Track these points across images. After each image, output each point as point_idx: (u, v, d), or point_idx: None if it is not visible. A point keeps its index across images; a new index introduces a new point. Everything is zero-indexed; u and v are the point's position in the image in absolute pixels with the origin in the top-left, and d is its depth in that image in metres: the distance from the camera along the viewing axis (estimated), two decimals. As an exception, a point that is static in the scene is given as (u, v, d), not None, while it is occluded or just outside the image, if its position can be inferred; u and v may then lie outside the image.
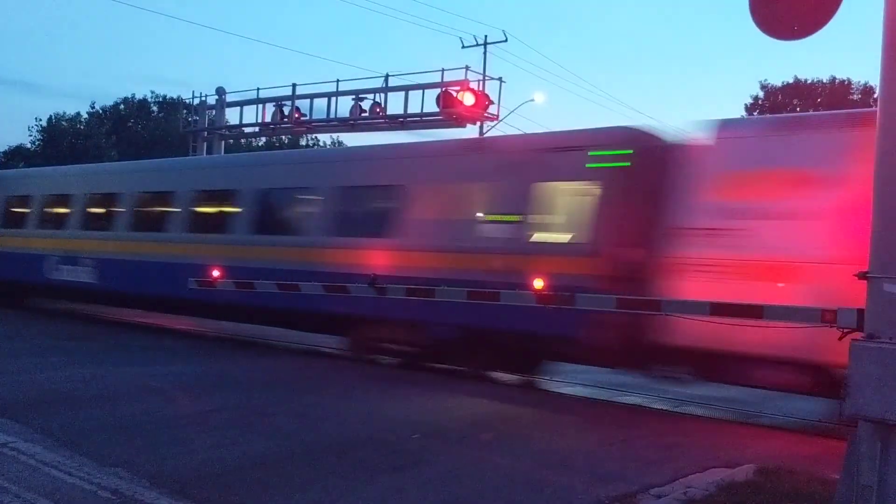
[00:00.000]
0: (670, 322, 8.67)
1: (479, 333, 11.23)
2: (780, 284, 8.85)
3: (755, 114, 44.41)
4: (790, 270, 8.80)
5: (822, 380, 8.53)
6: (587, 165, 10.69)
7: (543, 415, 9.45)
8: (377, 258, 11.98)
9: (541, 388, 12.19)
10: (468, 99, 18.77)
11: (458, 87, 18.91)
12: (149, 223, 16.66)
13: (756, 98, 46.48)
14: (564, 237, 10.91)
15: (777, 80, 46.74)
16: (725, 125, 10.33)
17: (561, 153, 11.09)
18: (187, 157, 23.11)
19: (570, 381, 12.50)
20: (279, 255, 13.63)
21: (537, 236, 11.04)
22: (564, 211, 11.12)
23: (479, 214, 11.91)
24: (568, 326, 9.66)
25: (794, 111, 42.00)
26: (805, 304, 7.07)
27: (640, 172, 10.34)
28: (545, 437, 8.07)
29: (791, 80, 45.81)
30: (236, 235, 14.71)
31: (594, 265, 10.00)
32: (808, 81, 45.33)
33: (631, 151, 10.51)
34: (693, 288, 9.12)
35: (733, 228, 9.22)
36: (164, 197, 16.62)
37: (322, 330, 14.27)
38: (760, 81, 47.12)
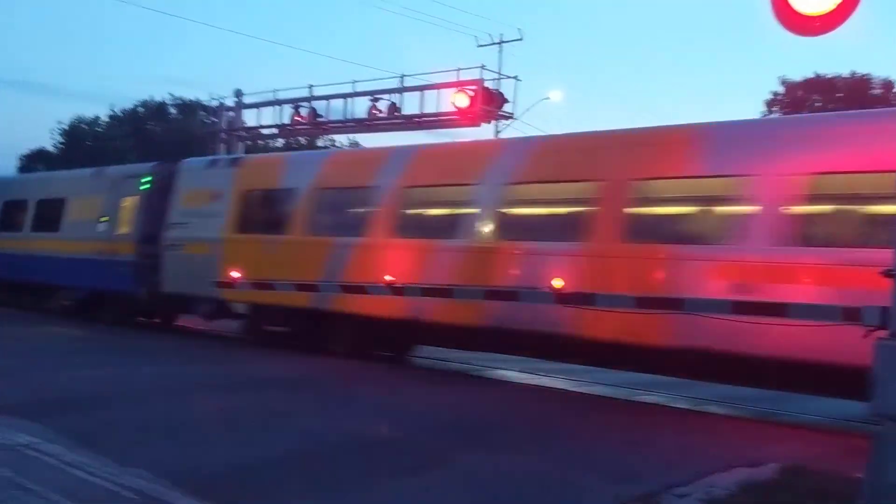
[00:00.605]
0: (165, 278, 16.01)
1: (100, 293, 18.19)
2: (193, 253, 15.54)
3: (775, 109, 43.78)
4: (201, 244, 15.49)
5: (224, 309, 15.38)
6: (139, 187, 17.63)
7: (562, 412, 9.40)
8: (54, 245, 19.16)
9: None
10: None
11: (474, 87, 18.91)
12: None
13: (776, 94, 45.69)
14: (126, 230, 17.66)
15: (797, 76, 45.89)
16: (188, 161, 17.54)
17: (130, 178, 18.10)
18: None
19: (588, 381, 12.44)
20: (14, 245, 20.78)
21: (118, 230, 17.80)
22: (130, 214, 17.72)
23: (99, 216, 18.35)
24: (132, 286, 16.76)
25: (814, 107, 41.44)
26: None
27: (157, 190, 17.07)
28: (568, 436, 8.04)
29: (811, 76, 45.00)
30: None
31: (137, 247, 17.01)
32: (828, 77, 44.57)
33: (151, 178, 17.51)
34: (171, 259, 16.00)
35: (186, 222, 15.99)
36: None
37: (37, 295, 20.54)
38: (780, 77, 46.27)
